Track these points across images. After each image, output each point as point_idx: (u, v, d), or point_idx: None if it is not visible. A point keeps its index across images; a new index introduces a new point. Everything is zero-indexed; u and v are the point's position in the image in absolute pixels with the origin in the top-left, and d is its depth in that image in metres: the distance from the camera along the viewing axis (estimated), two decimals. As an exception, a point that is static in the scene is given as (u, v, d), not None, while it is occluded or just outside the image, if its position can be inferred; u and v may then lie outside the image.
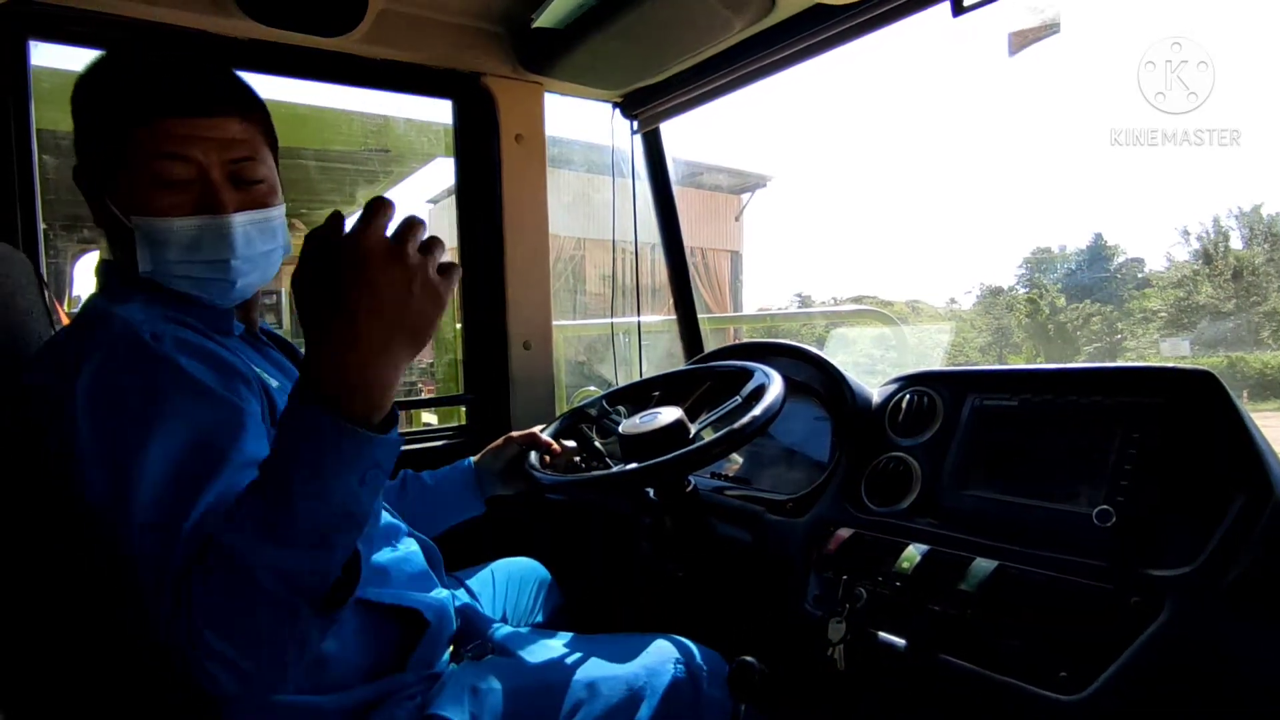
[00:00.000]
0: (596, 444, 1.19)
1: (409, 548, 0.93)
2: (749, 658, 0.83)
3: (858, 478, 1.10)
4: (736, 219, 9.80)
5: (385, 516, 0.91)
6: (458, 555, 1.13)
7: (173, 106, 0.75)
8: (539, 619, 1.20)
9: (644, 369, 1.98)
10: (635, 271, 1.86)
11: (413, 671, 0.83)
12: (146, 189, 0.75)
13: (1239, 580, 0.70)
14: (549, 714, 0.82)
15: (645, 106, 1.65)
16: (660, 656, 0.91)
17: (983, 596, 0.83)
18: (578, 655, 0.91)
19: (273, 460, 0.57)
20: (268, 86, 0.85)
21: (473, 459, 1.20)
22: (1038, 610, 0.80)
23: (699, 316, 1.83)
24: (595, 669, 0.88)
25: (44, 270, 1.17)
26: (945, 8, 1.13)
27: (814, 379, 1.28)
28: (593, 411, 1.24)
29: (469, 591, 1.10)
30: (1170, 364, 0.86)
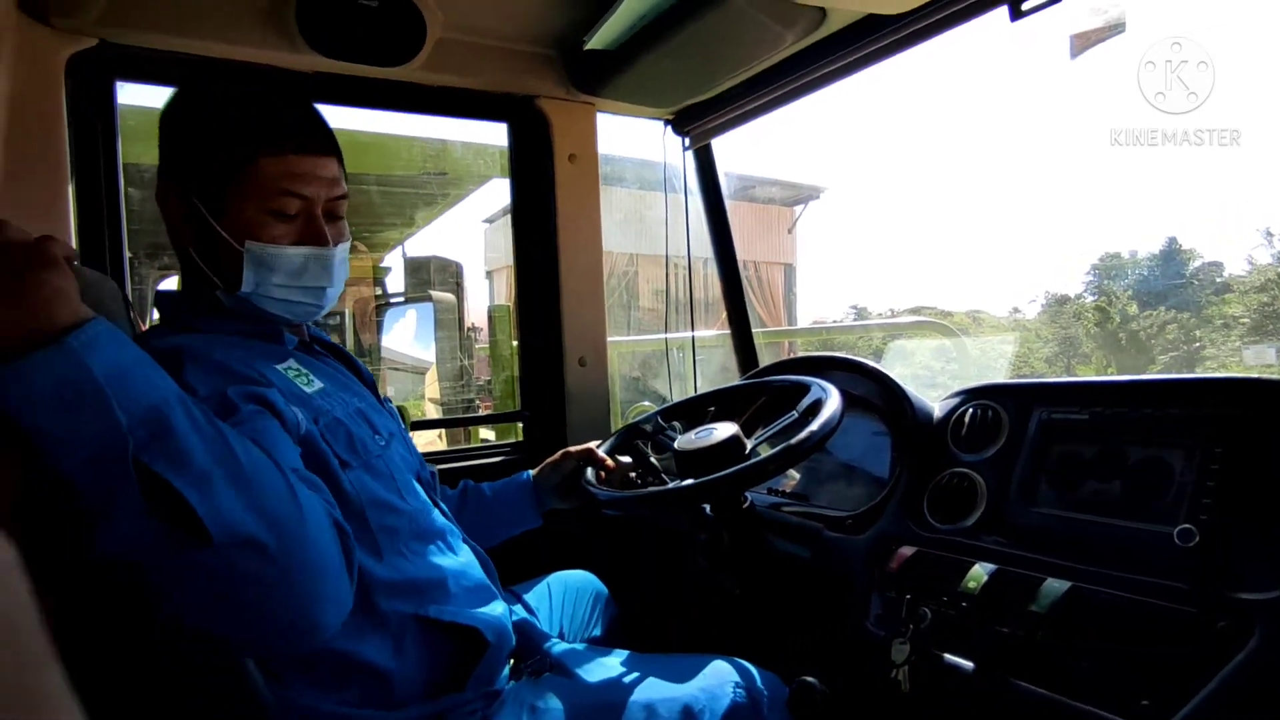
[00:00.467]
0: (652, 459, 1.20)
1: (467, 556, 0.94)
2: (810, 678, 0.82)
3: (920, 494, 1.07)
4: (789, 231, 9.72)
5: (440, 519, 0.94)
6: (514, 567, 1.14)
7: (301, 144, 0.82)
8: (595, 632, 1.20)
9: (698, 384, 1.98)
10: (689, 287, 1.86)
11: (472, 689, 0.84)
12: (263, 217, 0.82)
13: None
14: None
15: (697, 123, 1.66)
16: (719, 678, 0.90)
17: (1055, 618, 0.80)
18: (635, 675, 0.91)
19: None
20: (331, 116, 0.90)
21: (530, 473, 1.22)
22: (1114, 633, 0.77)
23: (753, 331, 1.82)
24: (653, 689, 0.87)
25: (129, 293, 1.24)
26: (1002, 12, 1.11)
27: (872, 393, 1.26)
28: (648, 427, 1.24)
29: (526, 606, 1.11)
30: (1254, 374, 0.82)
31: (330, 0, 1.23)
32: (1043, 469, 0.96)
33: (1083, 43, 1.33)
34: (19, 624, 0.51)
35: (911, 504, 1.08)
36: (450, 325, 4.64)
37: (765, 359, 1.75)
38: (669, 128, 1.72)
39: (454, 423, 3.43)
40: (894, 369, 1.27)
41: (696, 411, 1.27)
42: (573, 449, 1.21)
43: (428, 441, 3.33)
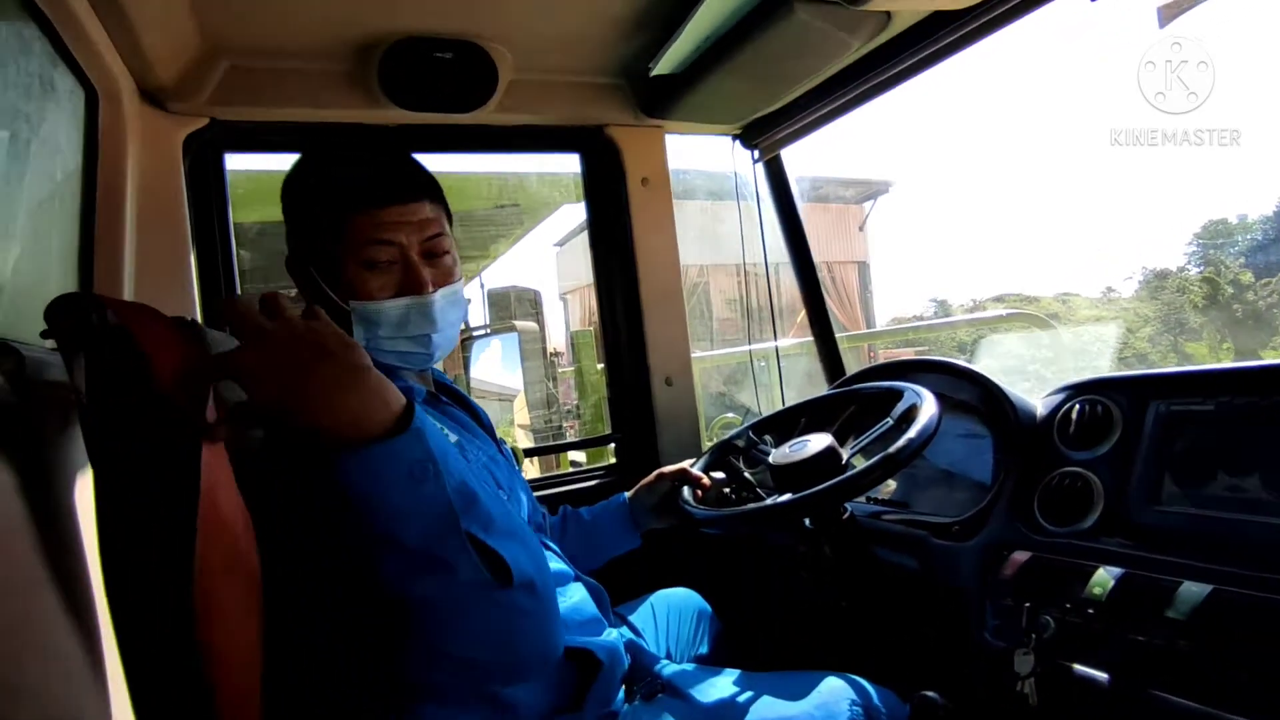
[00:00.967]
0: (746, 475, 1.20)
1: (578, 594, 0.96)
2: (930, 693, 0.80)
3: (1029, 496, 1.03)
4: (860, 228, 9.52)
5: (555, 561, 0.96)
6: (618, 588, 1.16)
7: (384, 195, 0.85)
8: (702, 650, 1.21)
9: (785, 394, 1.96)
10: (770, 296, 1.85)
11: (589, 712, 0.85)
12: (360, 273, 0.85)
13: None
14: None
15: (765, 135, 1.65)
16: (834, 696, 0.89)
17: (1197, 624, 0.75)
18: (748, 694, 0.91)
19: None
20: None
21: (626, 494, 1.24)
22: (1267, 638, 0.72)
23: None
24: (767, 709, 0.87)
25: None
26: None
27: (967, 394, 1.22)
28: (740, 443, 1.24)
29: (632, 628, 1.12)
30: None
31: (409, 58, 1.30)
32: (1166, 465, 0.91)
33: (1171, 11, 1.27)
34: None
35: (1021, 507, 1.04)
36: (535, 354, 4.76)
37: (847, 363, 1.73)
38: (737, 142, 1.72)
39: (554, 449, 3.58)
40: (981, 363, 1.24)
41: (787, 423, 1.26)
42: (666, 469, 1.22)
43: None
